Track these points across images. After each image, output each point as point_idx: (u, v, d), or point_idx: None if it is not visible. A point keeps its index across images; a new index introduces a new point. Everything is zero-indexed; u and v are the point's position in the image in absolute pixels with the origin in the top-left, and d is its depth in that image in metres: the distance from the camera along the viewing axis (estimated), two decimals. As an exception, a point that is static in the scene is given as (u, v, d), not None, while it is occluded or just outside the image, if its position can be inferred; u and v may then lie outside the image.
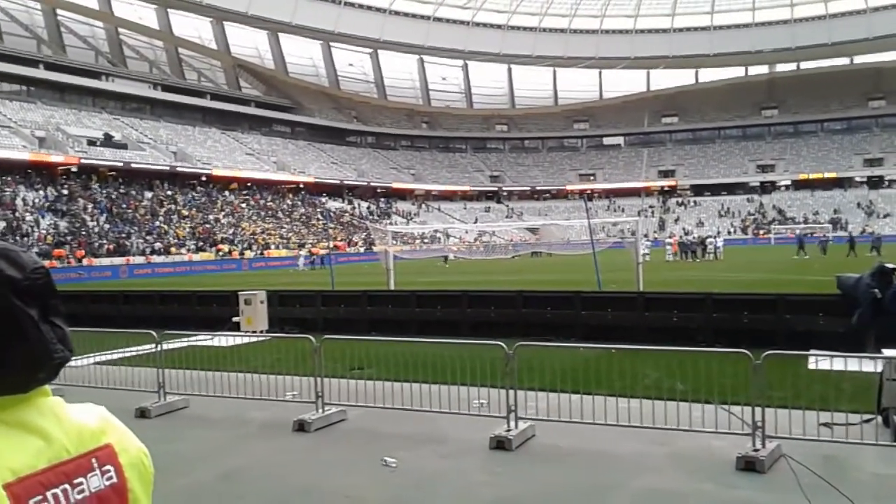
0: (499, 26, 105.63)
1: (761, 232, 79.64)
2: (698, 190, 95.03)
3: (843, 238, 52.36)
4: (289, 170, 79.16)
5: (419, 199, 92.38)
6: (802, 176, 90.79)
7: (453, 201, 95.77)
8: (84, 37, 79.93)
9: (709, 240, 49.36)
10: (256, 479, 6.91)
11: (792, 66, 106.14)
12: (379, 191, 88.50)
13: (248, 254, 56.60)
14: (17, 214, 48.99)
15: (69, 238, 48.54)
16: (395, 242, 34.91)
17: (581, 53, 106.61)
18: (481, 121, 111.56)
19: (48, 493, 1.16)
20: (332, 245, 49.99)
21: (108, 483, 1.25)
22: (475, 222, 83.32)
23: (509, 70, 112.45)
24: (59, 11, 78.75)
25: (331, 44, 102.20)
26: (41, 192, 54.11)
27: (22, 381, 1.20)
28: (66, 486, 1.19)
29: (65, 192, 55.59)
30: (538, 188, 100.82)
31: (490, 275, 33.75)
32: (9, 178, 53.33)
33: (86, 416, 1.29)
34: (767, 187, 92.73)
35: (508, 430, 7.58)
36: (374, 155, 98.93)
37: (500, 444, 7.41)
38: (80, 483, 1.21)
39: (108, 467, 1.26)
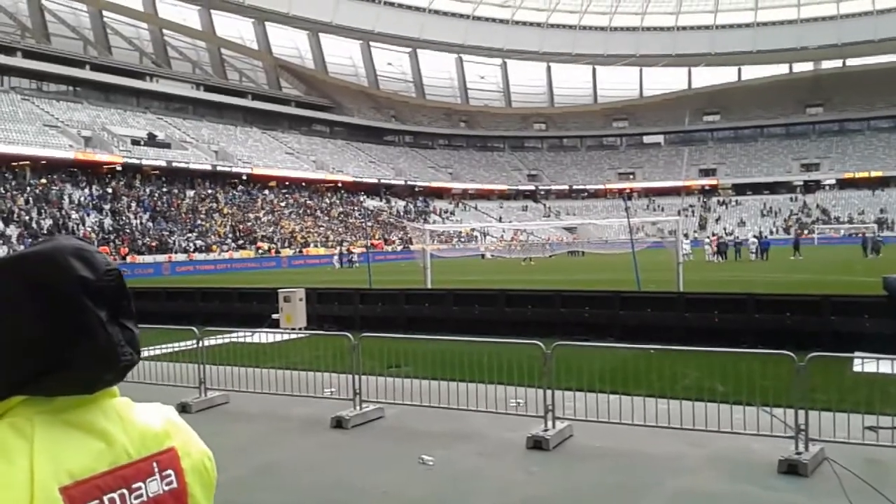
0: (538, 24, 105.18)
1: (804, 232, 78.21)
2: (740, 189, 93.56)
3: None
4: (327, 169, 79.72)
5: (456, 198, 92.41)
6: (847, 175, 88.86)
7: (490, 200, 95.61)
8: (129, 38, 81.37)
9: (751, 239, 48.54)
10: (294, 475, 6.98)
11: (838, 63, 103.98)
12: (416, 190, 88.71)
13: (287, 251, 57.15)
14: (63, 212, 50.08)
15: (113, 236, 49.49)
16: (432, 241, 34.97)
17: (621, 51, 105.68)
18: (519, 119, 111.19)
19: (105, 498, 1.15)
20: (369, 243, 50.25)
21: (167, 488, 1.24)
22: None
23: (548, 68, 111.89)
24: (105, 13, 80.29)
25: (370, 43, 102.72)
26: (86, 191, 55.24)
27: (88, 382, 1.19)
28: (124, 490, 1.18)
29: (109, 190, 56.69)
30: (576, 187, 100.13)
31: (528, 274, 33.62)
32: (55, 177, 54.56)
33: (151, 418, 1.28)
34: (811, 186, 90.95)
35: (546, 430, 7.54)
36: (411, 154, 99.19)
37: (537, 444, 7.38)
38: (139, 488, 1.20)
39: (168, 472, 1.25)
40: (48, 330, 1.15)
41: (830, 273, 28.59)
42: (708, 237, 56.24)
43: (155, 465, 1.23)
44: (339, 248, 56.23)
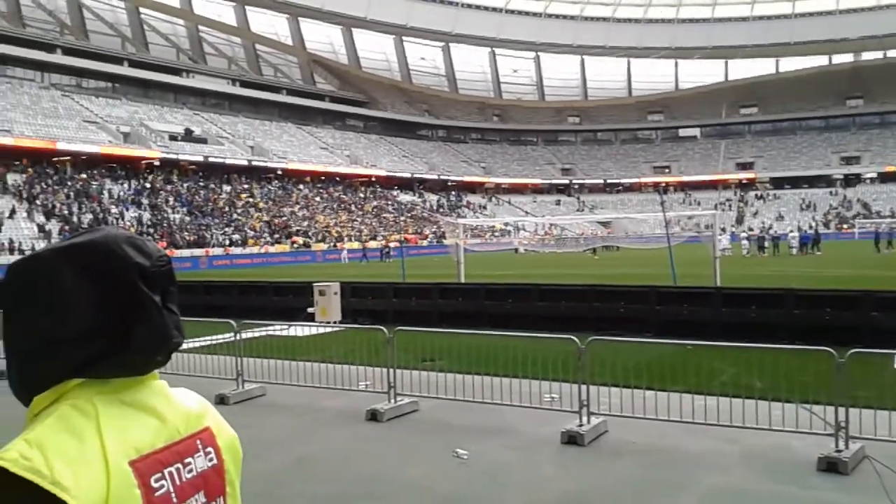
0: (572, 17, 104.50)
1: (845, 226, 76.80)
2: (778, 183, 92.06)
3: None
4: (361, 163, 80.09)
5: (489, 193, 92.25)
6: (889, 168, 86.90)
7: (524, 194, 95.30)
8: (166, 34, 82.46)
9: (791, 234, 47.75)
10: (330, 466, 7.04)
11: (878, 55, 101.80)
12: (449, 184, 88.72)
13: (322, 246, 57.53)
14: (103, 207, 50.93)
15: (152, 230, 50.22)
16: (465, 235, 34.97)
17: (656, 43, 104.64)
18: (553, 113, 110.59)
19: (165, 471, 1.21)
20: (402, 238, 50.36)
21: (210, 464, 1.31)
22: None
23: (582, 61, 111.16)
24: (142, 10, 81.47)
25: (403, 38, 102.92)
26: (125, 186, 56.13)
27: (142, 364, 1.26)
28: (179, 465, 1.25)
29: (147, 185, 57.54)
30: (611, 181, 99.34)
31: (561, 268, 33.49)
32: (95, 172, 55.51)
33: (188, 399, 1.36)
34: (851, 180, 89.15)
35: (580, 426, 7.51)
36: (444, 148, 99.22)
37: (571, 439, 7.36)
38: (190, 463, 1.27)
39: (209, 449, 1.32)
40: (108, 315, 1.21)
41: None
42: (743, 232, 55.43)
43: (199, 442, 1.31)
44: (346, 243, 56.36)
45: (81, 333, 1.19)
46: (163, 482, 1.20)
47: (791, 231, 51.24)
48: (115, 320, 1.21)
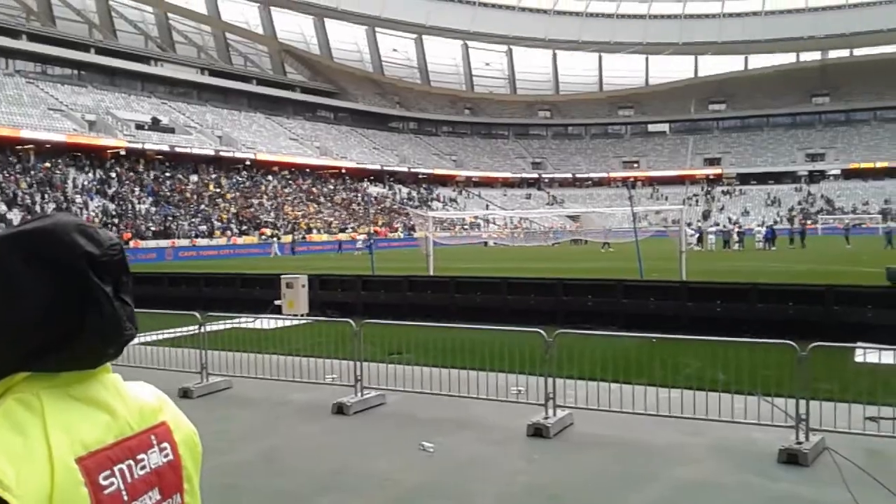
0: (544, 11, 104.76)
1: (808, 222, 78.00)
2: (745, 178, 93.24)
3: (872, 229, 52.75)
4: (331, 155, 79.59)
5: (460, 186, 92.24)
6: (853, 165, 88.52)
7: (494, 188, 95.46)
8: (134, 21, 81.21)
9: (756, 229, 48.46)
10: (295, 460, 7.00)
11: (845, 53, 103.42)
12: (420, 177, 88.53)
13: (290, 238, 57.09)
14: (67, 196, 50.09)
15: (116, 220, 49.51)
16: (435, 228, 34.90)
17: (628, 39, 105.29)
18: (524, 107, 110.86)
19: (115, 468, 1.17)
20: (371, 230, 50.21)
21: (165, 460, 1.27)
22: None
23: (554, 56, 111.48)
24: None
25: (376, 29, 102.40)
26: (90, 175, 55.23)
27: (93, 357, 1.21)
28: (131, 461, 1.20)
29: (113, 174, 56.67)
30: (580, 175, 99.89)
31: (530, 262, 33.61)
32: (59, 161, 54.55)
33: (143, 393, 1.31)
34: (816, 176, 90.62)
35: (546, 418, 7.55)
36: (416, 141, 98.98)
37: (537, 432, 7.39)
38: (143, 459, 1.23)
39: (164, 444, 1.28)
40: (56, 306, 1.16)
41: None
42: (710, 227, 56.05)
43: (153, 437, 1.26)
44: (273, 233, 56.02)
45: (30, 324, 1.14)
46: (112, 479, 1.16)
47: (756, 226, 51.99)
48: (65, 311, 1.16)
